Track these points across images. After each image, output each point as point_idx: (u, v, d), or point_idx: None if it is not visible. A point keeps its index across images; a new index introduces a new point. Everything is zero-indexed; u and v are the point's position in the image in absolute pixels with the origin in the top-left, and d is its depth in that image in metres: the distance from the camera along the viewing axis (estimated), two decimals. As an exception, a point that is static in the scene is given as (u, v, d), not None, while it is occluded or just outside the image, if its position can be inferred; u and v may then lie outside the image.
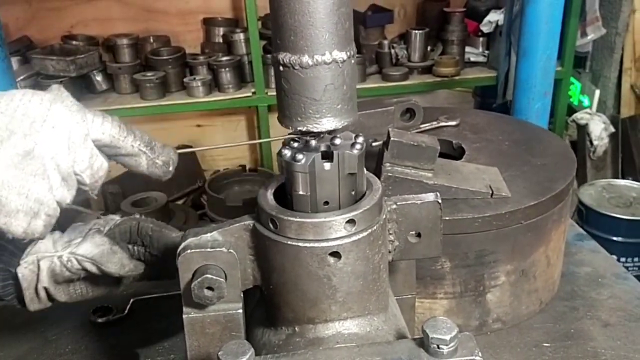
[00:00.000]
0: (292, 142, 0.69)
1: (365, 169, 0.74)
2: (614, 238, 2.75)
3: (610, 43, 3.63)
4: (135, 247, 0.87)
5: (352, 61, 0.67)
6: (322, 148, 0.69)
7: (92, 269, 0.81)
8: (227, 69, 3.37)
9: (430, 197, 0.76)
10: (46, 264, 0.82)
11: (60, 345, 1.23)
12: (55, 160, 0.65)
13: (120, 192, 3.67)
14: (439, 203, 0.76)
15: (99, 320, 1.29)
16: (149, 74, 3.33)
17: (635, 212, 2.82)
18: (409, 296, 0.91)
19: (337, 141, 0.68)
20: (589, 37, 3.51)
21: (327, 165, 0.68)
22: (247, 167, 3.63)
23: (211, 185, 3.40)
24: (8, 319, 1.32)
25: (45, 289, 0.84)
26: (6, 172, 0.63)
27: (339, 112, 0.67)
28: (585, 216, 2.82)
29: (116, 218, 0.88)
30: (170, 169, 0.73)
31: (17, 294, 0.85)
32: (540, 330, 1.21)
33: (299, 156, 0.67)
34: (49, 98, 0.66)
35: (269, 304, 0.74)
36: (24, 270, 0.82)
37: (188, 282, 0.70)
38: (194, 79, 3.37)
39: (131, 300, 1.32)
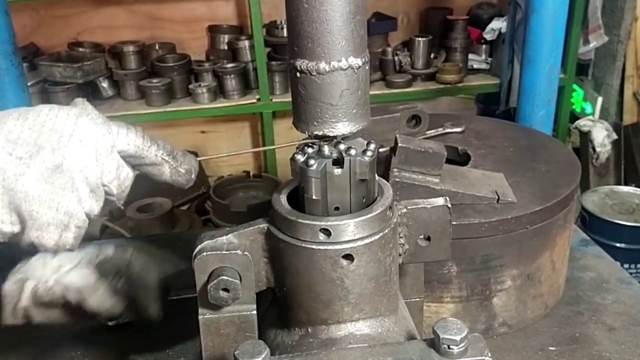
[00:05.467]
0: (305, 148, 0.71)
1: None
2: (617, 244, 2.76)
3: (613, 51, 3.65)
4: (120, 284, 0.87)
5: (367, 67, 0.69)
6: (335, 154, 0.71)
7: (73, 300, 0.81)
8: (232, 75, 3.40)
9: (439, 201, 0.78)
10: (31, 285, 0.82)
11: (70, 348, 1.25)
12: (83, 173, 0.66)
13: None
14: (449, 207, 0.77)
15: (109, 323, 1.30)
16: (154, 80, 3.35)
17: (638, 219, 2.83)
18: (417, 299, 0.93)
19: (352, 151, 0.70)
20: (591, 45, 3.53)
21: (337, 171, 0.70)
22: (251, 173, 3.65)
23: (216, 191, 3.42)
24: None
25: (25, 308, 0.84)
26: (37, 187, 0.65)
27: (354, 116, 0.69)
28: (589, 223, 2.84)
29: (109, 253, 0.88)
30: (193, 176, 0.75)
31: None
32: (545, 334, 1.22)
33: (312, 161, 0.69)
34: (75, 112, 0.67)
35: (282, 306, 0.76)
36: (9, 287, 0.82)
37: (204, 284, 0.72)
38: (199, 85, 3.40)
39: (141, 303, 1.33)
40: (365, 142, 0.72)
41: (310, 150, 0.70)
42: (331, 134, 0.69)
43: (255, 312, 0.75)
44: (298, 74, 0.67)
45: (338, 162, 0.69)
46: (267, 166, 3.75)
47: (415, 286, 0.92)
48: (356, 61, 0.67)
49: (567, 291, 1.34)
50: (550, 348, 1.18)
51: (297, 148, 0.72)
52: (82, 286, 0.82)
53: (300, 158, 0.69)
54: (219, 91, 3.44)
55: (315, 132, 0.69)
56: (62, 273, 0.82)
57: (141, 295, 0.86)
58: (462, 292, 1.17)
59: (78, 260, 0.84)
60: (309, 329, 0.73)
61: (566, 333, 1.22)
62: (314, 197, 0.69)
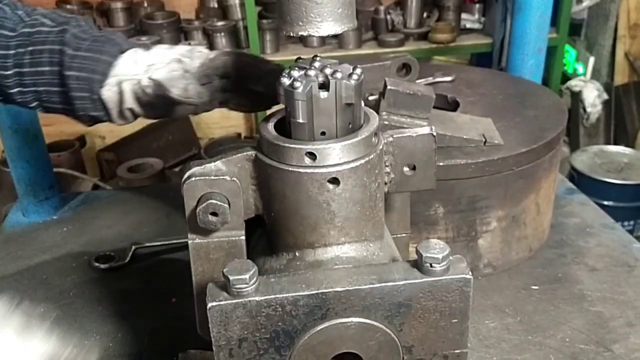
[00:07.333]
0: (291, 71, 0.71)
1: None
2: (605, 202, 2.80)
3: (605, 10, 3.63)
4: (226, 80, 0.90)
5: None
6: (321, 78, 0.71)
7: (160, 92, 0.87)
8: (222, 34, 3.36)
9: (425, 129, 0.79)
10: (128, 86, 0.88)
11: (64, 290, 1.26)
12: None
13: (116, 158, 3.69)
14: (434, 136, 0.78)
15: (102, 266, 1.32)
16: (143, 38, 3.30)
17: (626, 177, 2.87)
18: (404, 235, 0.94)
19: (338, 75, 0.70)
20: (584, 4, 3.51)
21: (323, 94, 0.70)
22: (243, 135, 3.65)
23: (207, 151, 3.42)
24: (12, 263, 1.36)
25: (130, 109, 0.90)
26: None
27: (339, 16, 0.68)
28: (577, 181, 2.87)
29: (204, 50, 0.93)
30: None
31: (105, 112, 0.91)
32: (529, 275, 1.25)
33: (297, 84, 0.69)
34: None
35: (271, 232, 0.77)
36: (107, 93, 0.88)
37: (193, 209, 0.73)
38: (189, 44, 3.36)
39: (133, 247, 1.35)
40: (352, 67, 0.72)
41: (296, 73, 0.71)
42: (316, 34, 0.68)
43: (243, 237, 0.76)
44: None
45: (324, 85, 0.70)
46: (258, 127, 3.75)
47: (401, 222, 0.93)
48: None
49: (551, 236, 1.37)
50: (533, 287, 1.21)
51: (283, 71, 0.72)
52: (168, 78, 0.87)
53: (286, 81, 0.70)
54: (209, 50, 3.40)
55: (300, 33, 0.68)
56: (154, 70, 0.88)
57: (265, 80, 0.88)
58: (448, 233, 1.20)
59: (169, 60, 0.88)
60: (297, 253, 0.75)
61: (549, 274, 1.25)
62: (300, 121, 0.70)
